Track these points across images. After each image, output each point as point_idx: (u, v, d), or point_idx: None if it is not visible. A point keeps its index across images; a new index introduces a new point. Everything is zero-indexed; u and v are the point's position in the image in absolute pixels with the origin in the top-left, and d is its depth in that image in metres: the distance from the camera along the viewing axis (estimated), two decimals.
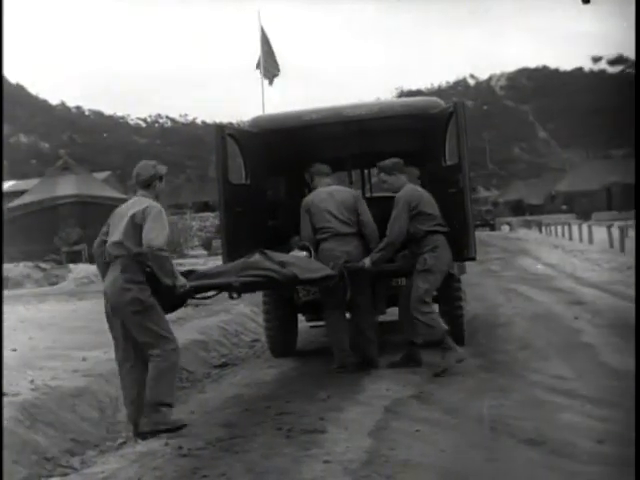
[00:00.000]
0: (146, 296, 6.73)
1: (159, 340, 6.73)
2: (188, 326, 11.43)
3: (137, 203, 6.93)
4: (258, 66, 23.24)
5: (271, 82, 23.54)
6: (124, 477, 5.56)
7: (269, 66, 23.39)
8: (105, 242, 6.97)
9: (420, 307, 8.59)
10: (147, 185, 7.11)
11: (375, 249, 8.77)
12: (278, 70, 23.57)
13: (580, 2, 14.61)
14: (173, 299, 7.03)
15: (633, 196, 64.33)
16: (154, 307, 6.79)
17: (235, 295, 7.99)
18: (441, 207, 9.03)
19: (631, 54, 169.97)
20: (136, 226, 6.73)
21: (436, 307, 9.67)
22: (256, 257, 8.03)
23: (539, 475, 5.04)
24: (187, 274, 7.31)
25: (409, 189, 8.93)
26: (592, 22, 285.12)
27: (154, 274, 6.70)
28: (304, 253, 8.71)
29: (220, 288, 7.86)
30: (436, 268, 8.64)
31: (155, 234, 6.66)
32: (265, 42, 23.22)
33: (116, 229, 6.84)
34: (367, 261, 8.71)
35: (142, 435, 6.61)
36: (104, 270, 7.02)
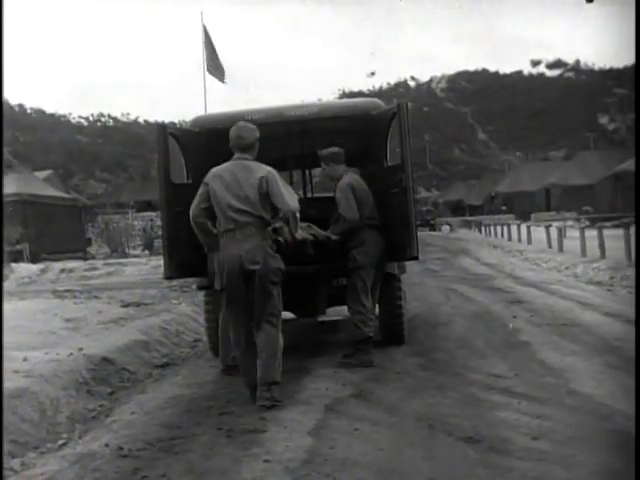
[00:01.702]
0: (283, 268, 7.28)
1: (278, 316, 7.30)
2: (129, 326, 11.38)
3: (250, 169, 7.27)
4: (208, 69, 23.27)
5: (223, 79, 23.62)
6: (64, 479, 5.53)
7: (217, 64, 23.44)
8: (206, 209, 7.34)
9: (355, 306, 8.93)
10: (249, 148, 7.42)
11: (336, 228, 9.11)
12: (223, 68, 23.66)
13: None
14: None
15: (572, 197, 65.30)
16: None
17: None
18: (383, 207, 9.17)
19: (569, 58, 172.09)
20: (262, 194, 7.14)
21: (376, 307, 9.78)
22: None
23: (476, 472, 5.10)
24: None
25: (351, 176, 9.25)
26: (531, 26, 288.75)
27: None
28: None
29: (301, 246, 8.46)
30: (365, 262, 8.92)
31: (291, 200, 7.26)
32: (208, 42, 23.23)
33: (236, 196, 7.16)
34: (330, 233, 9.04)
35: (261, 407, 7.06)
36: (209, 236, 7.43)
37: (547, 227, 28.72)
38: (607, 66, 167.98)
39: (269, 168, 7.32)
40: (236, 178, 7.20)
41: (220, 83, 23.70)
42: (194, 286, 11.81)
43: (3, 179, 35.33)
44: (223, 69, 23.61)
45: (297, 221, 7.34)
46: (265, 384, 7.12)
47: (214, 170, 7.47)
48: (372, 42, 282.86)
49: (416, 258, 9.13)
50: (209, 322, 10.00)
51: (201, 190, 7.42)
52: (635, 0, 6.95)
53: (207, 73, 23.12)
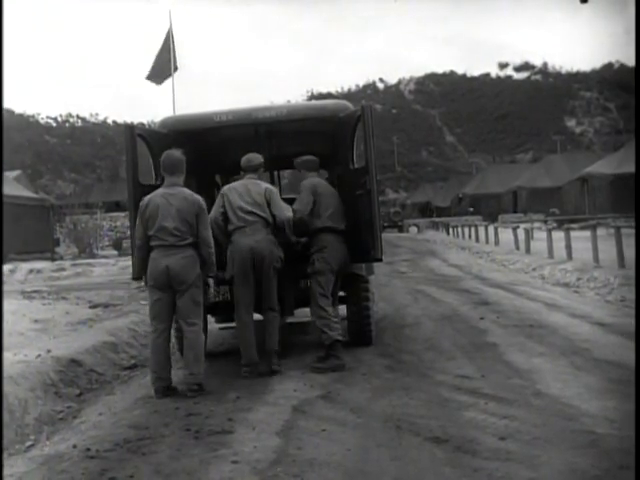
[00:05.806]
0: (283, 257, 8.96)
1: (275, 297, 8.93)
2: (98, 327, 11.33)
3: (258, 184, 9.04)
4: (151, 76, 23.04)
5: (160, 83, 23.29)
6: None
7: (163, 67, 23.12)
8: (223, 213, 8.93)
9: (316, 311, 8.97)
10: (256, 170, 9.18)
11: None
12: (170, 70, 23.25)
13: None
14: None
15: (539, 199, 65.70)
16: None
17: None
18: (349, 209, 9.20)
19: (537, 61, 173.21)
20: (267, 202, 8.90)
21: (343, 308, 9.81)
22: None
23: (443, 472, 5.12)
24: None
25: (314, 179, 9.43)
26: (499, 29, 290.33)
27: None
28: None
29: None
30: (324, 269, 8.99)
31: (286, 209, 9.04)
32: (166, 43, 22.97)
33: (246, 202, 8.87)
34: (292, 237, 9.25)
35: (264, 374, 8.57)
36: (223, 234, 8.95)
37: (514, 229, 28.82)
38: (574, 69, 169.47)
39: (268, 185, 9.29)
40: (247, 189, 8.97)
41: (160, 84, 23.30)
42: None
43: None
44: (167, 72, 23.29)
45: (291, 228, 9.07)
46: (271, 350, 8.73)
47: (230, 185, 9.26)
48: (341, 43, 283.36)
49: (380, 260, 9.17)
50: (177, 324, 9.96)
51: (219, 199, 9.06)
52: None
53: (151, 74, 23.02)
